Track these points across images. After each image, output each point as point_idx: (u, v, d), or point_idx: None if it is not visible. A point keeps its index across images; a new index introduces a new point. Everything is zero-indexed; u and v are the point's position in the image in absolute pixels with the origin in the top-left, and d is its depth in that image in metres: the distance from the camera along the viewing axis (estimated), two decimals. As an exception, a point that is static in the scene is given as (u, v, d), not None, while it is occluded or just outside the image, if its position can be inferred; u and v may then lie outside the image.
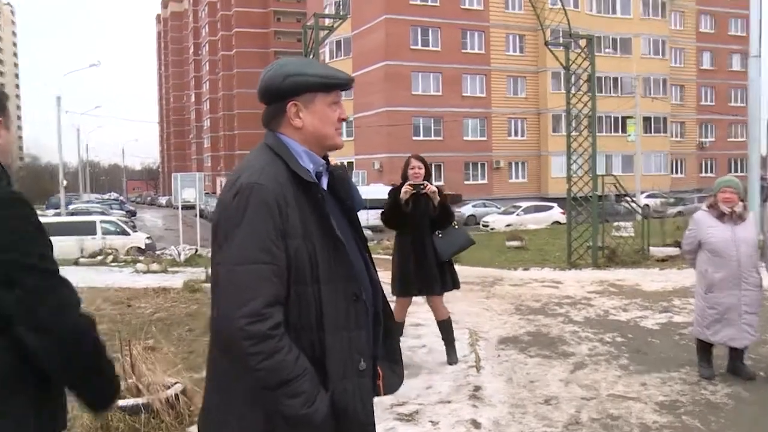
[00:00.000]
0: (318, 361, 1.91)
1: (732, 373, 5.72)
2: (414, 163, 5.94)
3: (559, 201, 28.72)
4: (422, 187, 5.80)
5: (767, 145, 18.08)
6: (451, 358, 6.16)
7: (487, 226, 31.54)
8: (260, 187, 1.87)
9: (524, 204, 34.22)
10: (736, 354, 5.74)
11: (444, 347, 6.22)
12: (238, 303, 1.78)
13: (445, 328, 6.17)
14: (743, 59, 45.12)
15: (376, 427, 2.07)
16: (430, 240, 5.89)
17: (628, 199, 15.91)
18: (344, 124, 2.19)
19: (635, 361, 6.28)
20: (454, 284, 6.13)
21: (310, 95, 2.02)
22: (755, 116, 14.55)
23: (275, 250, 1.84)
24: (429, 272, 5.88)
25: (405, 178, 5.92)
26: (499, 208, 36.47)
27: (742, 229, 5.54)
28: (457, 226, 6.16)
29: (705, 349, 5.78)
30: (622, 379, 5.76)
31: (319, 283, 1.92)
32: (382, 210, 6.09)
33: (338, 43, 48.12)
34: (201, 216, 25.79)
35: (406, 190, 5.80)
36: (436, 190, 5.89)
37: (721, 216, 5.57)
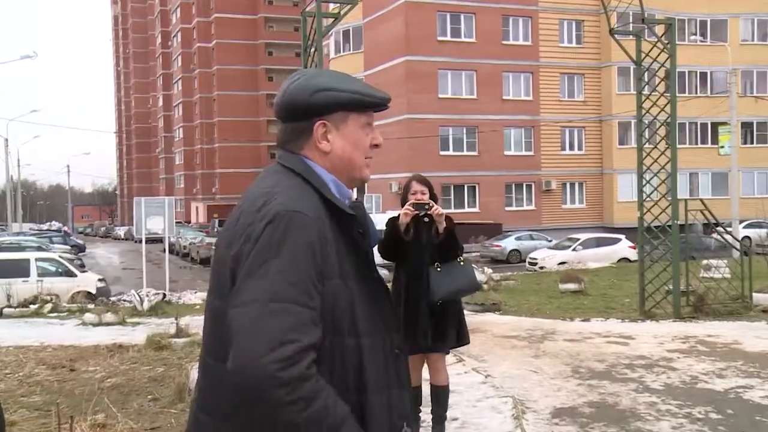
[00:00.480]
0: None
1: None
2: (416, 186, 5.85)
3: (628, 232, 28.52)
4: (427, 207, 5.70)
5: None
6: None
7: (535, 263, 31.35)
8: (301, 216, 1.92)
9: (583, 236, 33.99)
10: None
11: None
12: (268, 346, 1.76)
13: (439, 398, 6.04)
14: None
15: None
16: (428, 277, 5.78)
17: (721, 229, 15.71)
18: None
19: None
20: (460, 339, 6.02)
21: (343, 114, 2.10)
22: None
23: (314, 294, 1.87)
24: (422, 318, 5.75)
25: (404, 204, 5.84)
26: (551, 241, 36.26)
27: None
28: (463, 263, 6.02)
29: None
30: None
31: (358, 334, 1.97)
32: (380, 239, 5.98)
33: (346, 33, 48.63)
34: (171, 251, 25.84)
35: (406, 212, 5.70)
36: (444, 213, 5.80)
37: None
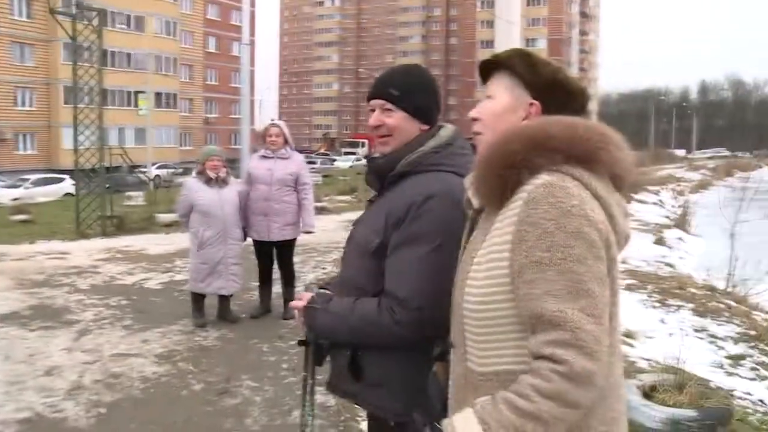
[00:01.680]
0: None
1: (221, 318, 6.33)
2: None
3: (71, 173, 27.08)
4: None
5: (260, 119, 20.04)
6: None
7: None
8: None
9: (33, 176, 31.24)
10: (224, 301, 6.35)
11: None
12: None
13: None
14: (239, 46, 48.76)
15: None
16: None
17: (141, 170, 15.91)
18: None
19: (138, 321, 6.42)
20: None
21: None
22: (246, 96, 16.05)
23: None
24: None
25: None
26: (5, 182, 32.58)
27: (227, 192, 6.13)
28: None
29: (198, 300, 6.26)
30: (125, 338, 5.85)
31: None
32: None
33: None
34: None
35: None
36: None
37: (208, 181, 6.06)
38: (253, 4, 28.59)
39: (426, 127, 2.02)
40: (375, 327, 1.87)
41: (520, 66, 1.58)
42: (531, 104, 1.56)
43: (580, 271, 1.29)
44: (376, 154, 2.10)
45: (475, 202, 1.54)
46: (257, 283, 6.75)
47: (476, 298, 1.43)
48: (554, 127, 1.43)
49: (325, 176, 35.33)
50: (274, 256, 6.54)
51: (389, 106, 2.00)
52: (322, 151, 71.01)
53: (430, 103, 2.03)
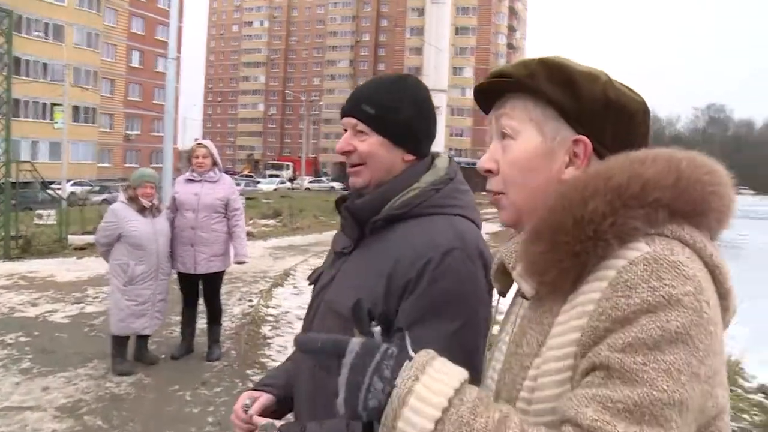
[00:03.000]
0: None
1: (137, 360, 5.58)
2: None
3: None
4: None
5: (185, 139, 19.14)
6: None
7: None
8: None
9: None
10: (141, 341, 5.61)
11: None
12: None
13: None
14: (165, 62, 47.21)
15: None
16: None
17: (53, 186, 14.75)
18: None
19: (39, 363, 5.57)
20: None
21: None
22: (171, 113, 15.20)
23: None
24: None
25: None
26: None
27: (160, 222, 5.45)
28: None
29: (121, 344, 5.45)
30: (21, 386, 5.01)
31: None
32: None
33: None
34: None
35: None
36: None
37: (142, 210, 5.36)
38: (180, 19, 27.68)
39: (411, 157, 1.50)
40: None
41: (550, 86, 1.03)
42: (576, 141, 1.04)
43: (663, 388, 0.82)
44: (355, 192, 1.58)
45: (528, 290, 1.01)
46: (179, 318, 6.06)
47: (537, 420, 0.94)
48: (649, 168, 0.94)
49: (248, 198, 34.43)
50: (200, 289, 5.88)
51: (362, 127, 1.49)
52: (245, 172, 69.77)
53: (417, 127, 1.51)
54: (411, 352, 0.93)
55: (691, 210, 0.93)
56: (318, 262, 12.39)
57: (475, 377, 1.10)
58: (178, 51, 17.30)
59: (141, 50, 56.99)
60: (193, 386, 5.12)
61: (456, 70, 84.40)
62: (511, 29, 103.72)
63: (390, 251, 1.40)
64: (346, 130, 1.53)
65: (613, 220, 0.91)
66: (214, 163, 5.81)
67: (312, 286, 1.64)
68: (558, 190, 0.98)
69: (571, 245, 0.92)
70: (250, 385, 5.20)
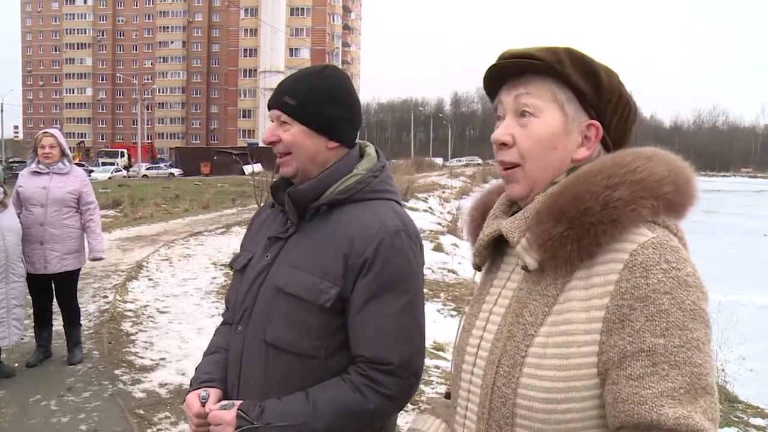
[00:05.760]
0: None
1: (-11, 374, 5.06)
2: None
3: None
4: None
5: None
6: None
7: None
8: None
9: None
10: (-5, 353, 5.09)
11: None
12: None
13: None
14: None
15: None
16: None
17: None
18: None
19: None
20: None
21: None
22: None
23: None
24: None
25: None
26: None
27: (7, 218, 4.90)
28: None
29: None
30: None
31: None
32: None
33: None
34: None
35: None
36: None
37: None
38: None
39: (334, 144, 1.59)
40: (357, 417, 1.45)
41: (575, 73, 1.14)
42: (589, 125, 1.16)
43: (698, 362, 0.99)
44: (290, 180, 1.65)
45: (531, 263, 1.10)
46: (29, 322, 5.56)
47: (544, 394, 1.05)
48: (658, 165, 1.09)
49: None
50: (53, 290, 5.43)
51: (285, 118, 1.57)
52: (77, 161, 64.79)
53: (336, 114, 1.58)
54: None
55: (679, 203, 1.08)
56: (170, 252, 11.86)
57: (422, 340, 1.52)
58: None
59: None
60: (57, 394, 4.73)
61: (292, 51, 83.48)
62: (346, 10, 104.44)
63: (343, 232, 1.50)
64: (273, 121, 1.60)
65: (633, 208, 1.04)
66: (63, 154, 5.36)
67: (239, 272, 1.67)
68: (580, 175, 1.10)
69: (595, 227, 1.04)
70: (121, 386, 4.93)
